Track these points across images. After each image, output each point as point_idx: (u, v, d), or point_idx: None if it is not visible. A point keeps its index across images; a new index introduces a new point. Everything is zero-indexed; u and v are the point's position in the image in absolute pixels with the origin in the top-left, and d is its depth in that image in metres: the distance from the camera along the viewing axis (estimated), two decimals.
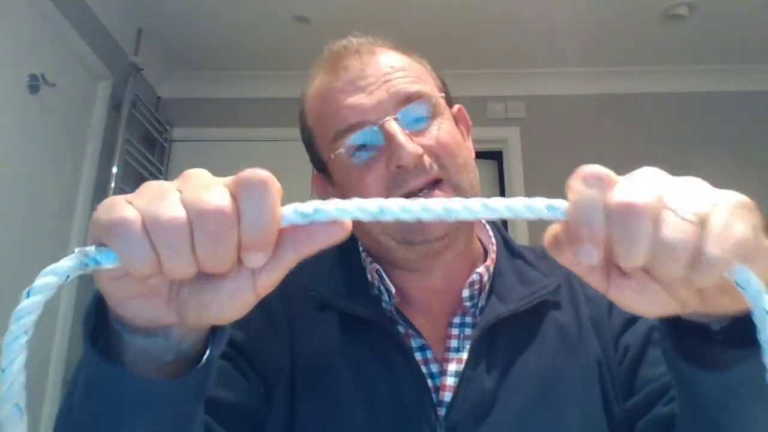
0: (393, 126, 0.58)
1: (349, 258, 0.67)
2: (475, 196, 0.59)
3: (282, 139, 2.95)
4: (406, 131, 0.59)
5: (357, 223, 0.60)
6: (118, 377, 0.34)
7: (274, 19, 2.55)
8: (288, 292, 0.62)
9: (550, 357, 0.60)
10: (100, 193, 2.35)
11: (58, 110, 2.10)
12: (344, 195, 0.57)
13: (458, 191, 0.60)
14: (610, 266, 0.32)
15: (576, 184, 0.30)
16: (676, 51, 2.82)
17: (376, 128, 0.59)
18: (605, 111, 2.97)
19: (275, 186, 0.29)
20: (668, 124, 2.94)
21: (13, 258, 1.84)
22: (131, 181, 2.55)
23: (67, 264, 0.29)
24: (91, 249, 0.29)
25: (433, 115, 0.62)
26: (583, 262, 0.30)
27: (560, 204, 0.30)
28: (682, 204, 0.29)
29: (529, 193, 2.94)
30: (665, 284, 0.31)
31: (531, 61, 2.91)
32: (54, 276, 0.29)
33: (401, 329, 0.61)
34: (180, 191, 0.30)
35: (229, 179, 0.30)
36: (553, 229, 0.32)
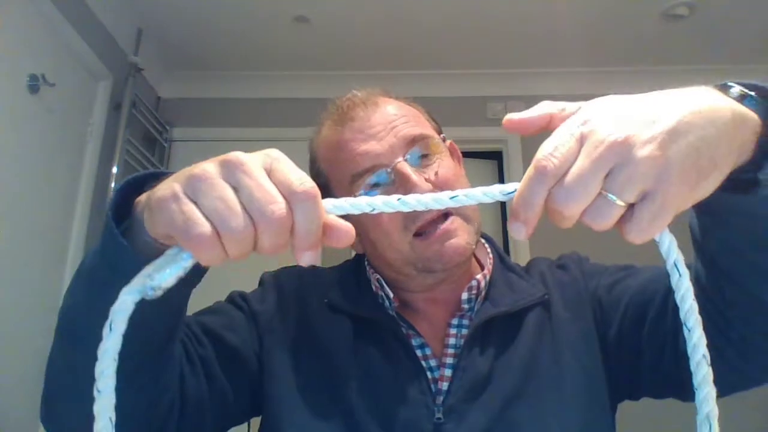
0: (405, 167, 0.67)
1: (358, 271, 0.78)
2: (478, 220, 0.72)
3: (282, 139, 2.95)
4: (415, 168, 0.68)
5: (377, 255, 0.72)
6: (127, 253, 0.42)
7: (274, 19, 2.55)
8: (304, 293, 0.76)
9: (532, 347, 0.68)
10: (100, 193, 2.35)
11: (58, 110, 2.10)
12: (363, 232, 0.71)
13: (466, 220, 0.69)
14: None
15: (528, 175, 0.36)
16: (676, 51, 2.82)
17: (389, 170, 0.68)
18: None
19: (318, 196, 0.35)
20: None
21: (13, 257, 1.84)
22: None
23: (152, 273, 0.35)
24: (178, 255, 0.35)
25: (433, 152, 0.71)
26: (514, 236, 0.37)
27: (510, 188, 0.37)
28: (620, 189, 0.34)
29: None
30: None
31: (531, 61, 2.91)
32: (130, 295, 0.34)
33: (403, 330, 0.70)
34: (235, 188, 0.34)
35: (279, 181, 0.35)
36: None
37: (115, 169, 2.40)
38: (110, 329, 0.33)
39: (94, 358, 0.35)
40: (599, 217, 0.34)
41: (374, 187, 0.68)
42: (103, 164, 2.38)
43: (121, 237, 0.42)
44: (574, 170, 0.34)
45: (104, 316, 0.36)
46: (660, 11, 2.52)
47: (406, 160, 0.67)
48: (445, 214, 0.67)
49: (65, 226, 2.18)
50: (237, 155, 0.35)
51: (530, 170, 0.36)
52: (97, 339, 0.36)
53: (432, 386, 0.66)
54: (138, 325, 0.47)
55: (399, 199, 0.37)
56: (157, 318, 0.49)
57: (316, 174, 0.75)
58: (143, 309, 0.45)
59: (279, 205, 0.34)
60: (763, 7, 2.48)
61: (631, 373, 0.67)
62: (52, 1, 2.01)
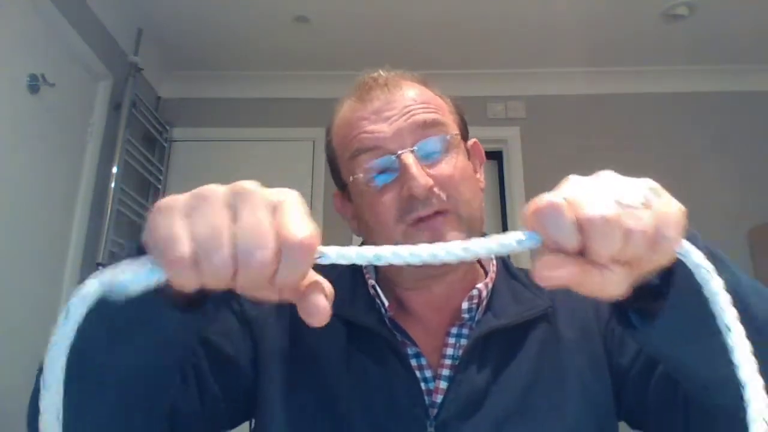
0: (409, 158, 0.64)
1: (355, 273, 0.74)
2: (477, 228, 0.68)
3: (282, 139, 2.96)
4: (421, 163, 0.65)
5: (372, 240, 0.68)
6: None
7: (274, 19, 2.56)
8: None
9: (534, 365, 0.66)
10: (100, 193, 2.35)
11: (58, 110, 2.11)
12: (361, 214, 0.69)
13: (460, 222, 0.65)
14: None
15: (536, 217, 0.34)
16: (676, 51, 2.82)
17: (393, 157, 0.65)
18: (605, 111, 2.97)
19: (314, 251, 0.33)
20: (668, 124, 2.94)
21: (13, 257, 1.84)
22: (131, 181, 2.55)
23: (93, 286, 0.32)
24: (147, 268, 0.33)
25: (447, 149, 0.67)
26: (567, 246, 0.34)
27: (529, 234, 0.35)
28: (629, 198, 0.34)
29: (529, 193, 2.95)
30: (626, 266, 0.36)
31: (531, 61, 2.91)
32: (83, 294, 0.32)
33: (398, 338, 0.67)
34: (233, 217, 0.33)
35: (280, 223, 0.33)
36: (542, 263, 0.35)
37: (115, 169, 2.40)
38: (66, 316, 0.31)
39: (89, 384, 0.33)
40: (634, 222, 0.33)
41: (378, 175, 0.66)
42: (103, 164, 2.38)
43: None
44: (588, 203, 0.34)
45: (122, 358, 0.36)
46: (660, 11, 2.52)
47: (413, 152, 0.65)
48: (441, 212, 0.65)
49: (65, 226, 2.18)
50: (250, 186, 0.34)
51: (536, 217, 0.34)
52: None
53: (426, 398, 0.64)
54: (149, 365, 0.46)
55: (410, 253, 0.35)
56: (162, 355, 0.47)
57: (327, 145, 0.74)
58: (152, 349, 0.44)
59: (266, 252, 0.32)
60: (763, 7, 2.48)
61: (635, 410, 0.65)
62: (52, 1, 2.01)
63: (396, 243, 0.65)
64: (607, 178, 0.37)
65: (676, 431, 0.59)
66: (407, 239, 0.65)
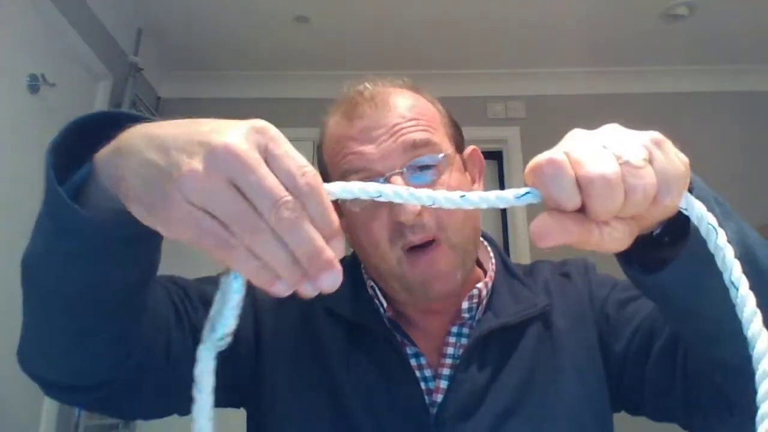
0: (397, 181, 0.62)
1: (355, 273, 0.74)
2: (471, 250, 0.68)
3: None
4: (412, 183, 0.62)
5: (366, 258, 0.69)
6: (76, 216, 0.40)
7: (274, 19, 2.55)
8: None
9: (533, 363, 0.66)
10: None
11: (58, 110, 2.10)
12: (351, 233, 0.68)
13: (453, 249, 0.64)
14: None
15: (536, 174, 0.34)
16: (676, 51, 2.82)
17: (382, 180, 0.62)
18: (605, 111, 2.94)
19: (321, 183, 0.32)
20: (668, 124, 2.93)
21: (12, 257, 1.84)
22: None
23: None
24: (228, 286, 0.35)
25: (439, 169, 0.65)
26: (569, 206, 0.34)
27: (526, 189, 0.35)
28: (631, 155, 0.33)
29: None
30: (628, 221, 0.36)
31: (531, 61, 2.91)
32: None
33: (398, 338, 0.67)
34: (234, 184, 0.31)
35: (280, 169, 0.32)
36: (539, 220, 0.35)
37: None
38: (199, 390, 0.34)
39: (49, 317, 0.33)
40: (634, 180, 0.33)
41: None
42: None
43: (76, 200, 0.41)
44: (586, 160, 0.34)
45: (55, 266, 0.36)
46: (660, 11, 2.52)
47: (402, 174, 0.62)
48: (432, 240, 0.64)
49: None
50: (224, 144, 0.31)
51: (535, 172, 0.35)
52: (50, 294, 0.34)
53: (426, 398, 0.64)
54: (88, 285, 0.47)
55: (409, 192, 0.35)
56: (110, 276, 0.47)
57: (319, 159, 0.73)
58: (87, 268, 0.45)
59: (291, 204, 0.31)
60: (763, 7, 2.48)
61: (632, 393, 0.66)
62: (52, 1, 2.01)
63: (393, 266, 0.64)
64: (609, 132, 0.37)
65: (677, 407, 0.60)
66: (401, 266, 0.64)
